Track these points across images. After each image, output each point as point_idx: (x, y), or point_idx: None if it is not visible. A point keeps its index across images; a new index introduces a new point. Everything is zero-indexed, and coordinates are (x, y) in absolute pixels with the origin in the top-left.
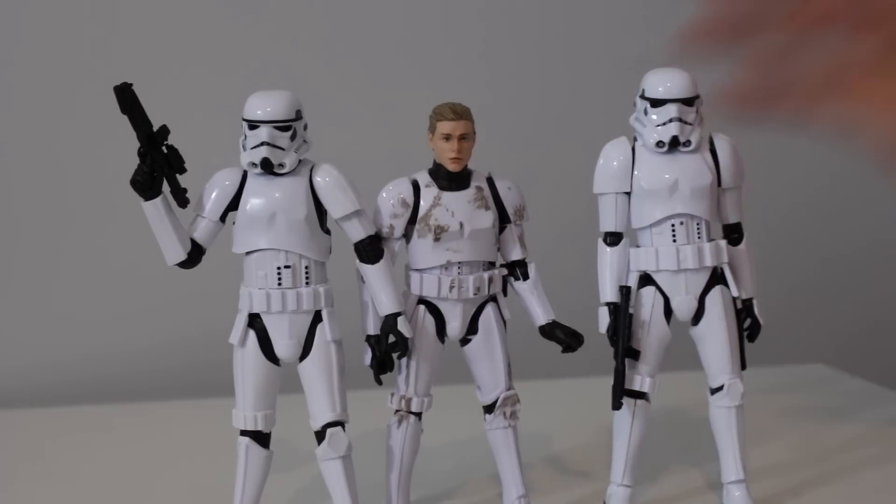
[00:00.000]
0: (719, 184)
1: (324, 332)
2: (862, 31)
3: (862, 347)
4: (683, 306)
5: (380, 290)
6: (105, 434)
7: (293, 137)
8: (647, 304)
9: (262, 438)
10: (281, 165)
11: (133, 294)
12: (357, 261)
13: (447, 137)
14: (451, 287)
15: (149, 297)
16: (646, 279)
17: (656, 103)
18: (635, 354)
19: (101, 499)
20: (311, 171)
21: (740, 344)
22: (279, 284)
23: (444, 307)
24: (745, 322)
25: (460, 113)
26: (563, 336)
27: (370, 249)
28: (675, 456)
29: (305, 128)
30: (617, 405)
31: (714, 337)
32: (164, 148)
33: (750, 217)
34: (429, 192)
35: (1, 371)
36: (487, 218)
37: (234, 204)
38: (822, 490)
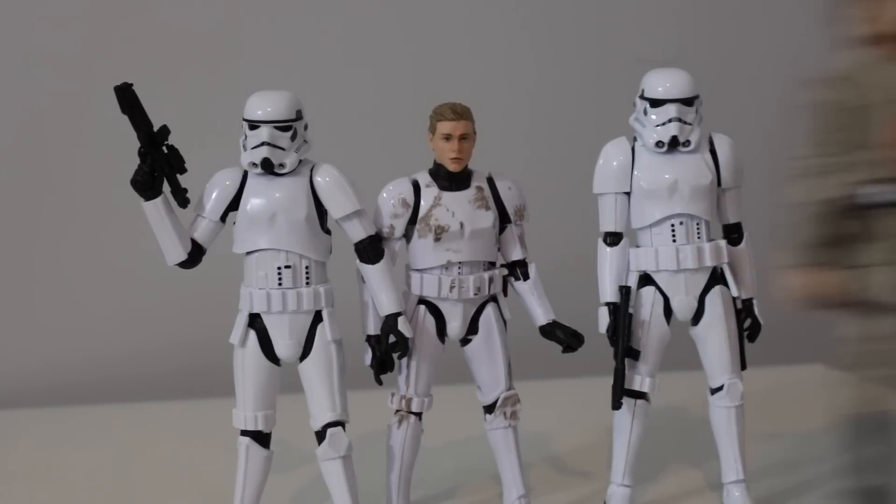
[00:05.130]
0: (719, 184)
1: (324, 332)
2: None
3: None
4: (683, 306)
5: (380, 290)
6: (106, 434)
7: (293, 137)
8: (647, 303)
9: (262, 438)
10: (281, 165)
11: (133, 294)
12: (357, 261)
13: (447, 137)
14: (452, 287)
15: (149, 298)
16: (645, 279)
17: (656, 103)
18: (635, 354)
19: (102, 499)
20: (311, 171)
21: (740, 344)
22: (279, 284)
23: (444, 307)
24: (745, 322)
25: (460, 113)
26: (564, 336)
27: (370, 249)
28: (675, 456)
29: (306, 128)
30: (617, 405)
31: (714, 337)
32: (164, 148)
33: (751, 216)
34: (429, 193)
35: (2, 372)
36: (488, 218)
37: (234, 204)
38: (822, 490)
